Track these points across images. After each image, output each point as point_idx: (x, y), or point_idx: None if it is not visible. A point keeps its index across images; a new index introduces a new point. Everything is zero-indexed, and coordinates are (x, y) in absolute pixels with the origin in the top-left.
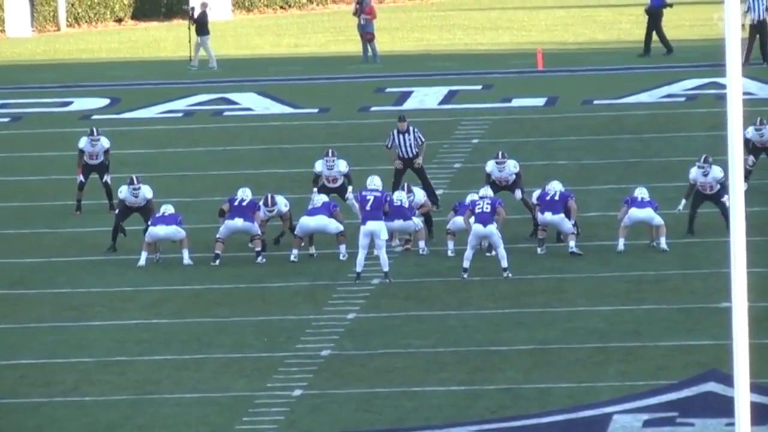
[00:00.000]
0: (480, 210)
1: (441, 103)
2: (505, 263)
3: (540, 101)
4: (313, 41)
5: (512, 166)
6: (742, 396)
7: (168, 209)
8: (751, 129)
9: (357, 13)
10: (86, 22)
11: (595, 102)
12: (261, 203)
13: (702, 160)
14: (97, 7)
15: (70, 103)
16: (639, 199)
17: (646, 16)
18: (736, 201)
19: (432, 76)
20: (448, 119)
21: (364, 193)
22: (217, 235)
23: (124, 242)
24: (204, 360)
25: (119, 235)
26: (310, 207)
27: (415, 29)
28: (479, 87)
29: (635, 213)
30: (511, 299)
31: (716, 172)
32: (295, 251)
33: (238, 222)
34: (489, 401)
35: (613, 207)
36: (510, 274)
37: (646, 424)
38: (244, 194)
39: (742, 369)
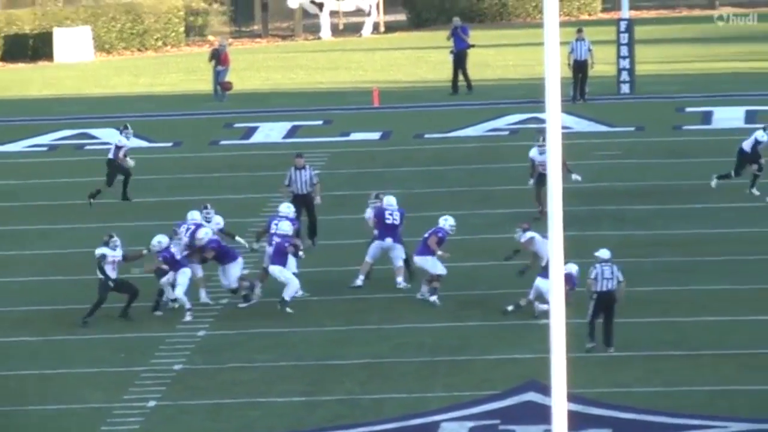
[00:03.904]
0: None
1: (285, 137)
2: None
3: (376, 135)
4: (168, 81)
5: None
6: (559, 404)
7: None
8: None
9: (212, 60)
10: None
11: (426, 135)
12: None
13: (541, 139)
14: None
15: None
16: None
17: (452, 58)
18: (554, 226)
19: (277, 112)
20: (291, 152)
21: (275, 240)
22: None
23: None
24: (66, 374)
25: None
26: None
27: (261, 69)
28: (320, 122)
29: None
30: (347, 316)
31: None
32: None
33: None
34: (327, 411)
35: None
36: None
37: (471, 431)
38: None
39: (559, 379)
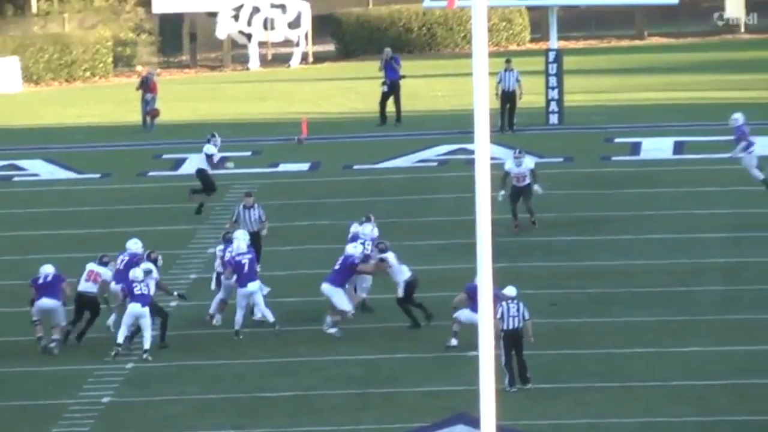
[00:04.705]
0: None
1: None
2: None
3: (304, 166)
4: (96, 112)
5: (366, 230)
6: None
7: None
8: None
9: (140, 88)
10: None
11: (355, 167)
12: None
13: (515, 153)
14: None
15: None
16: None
17: (385, 89)
18: (483, 256)
19: (205, 143)
20: (220, 183)
21: (237, 258)
22: (33, 318)
23: None
24: None
25: None
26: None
27: (189, 100)
28: (249, 153)
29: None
30: (277, 349)
31: (528, 163)
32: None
33: (45, 302)
34: None
35: None
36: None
37: None
38: (46, 271)
39: (488, 412)
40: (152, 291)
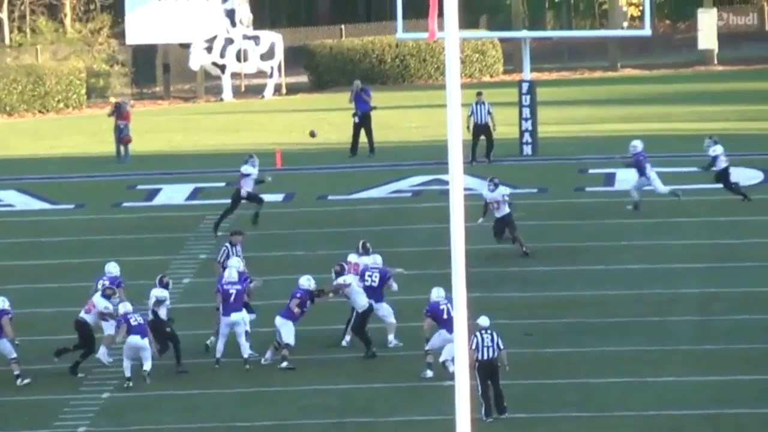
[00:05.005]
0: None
1: (187, 198)
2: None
3: (279, 197)
4: (70, 143)
5: (377, 260)
6: None
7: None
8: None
9: (112, 114)
10: None
11: (330, 197)
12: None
13: (489, 180)
14: None
15: None
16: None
17: (356, 120)
18: (458, 286)
19: (179, 174)
20: (193, 214)
21: (226, 287)
22: None
23: None
24: None
25: None
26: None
27: (163, 131)
28: (223, 184)
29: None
30: (254, 378)
31: (502, 189)
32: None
33: None
34: None
35: None
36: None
37: None
38: None
39: None
40: (164, 315)
